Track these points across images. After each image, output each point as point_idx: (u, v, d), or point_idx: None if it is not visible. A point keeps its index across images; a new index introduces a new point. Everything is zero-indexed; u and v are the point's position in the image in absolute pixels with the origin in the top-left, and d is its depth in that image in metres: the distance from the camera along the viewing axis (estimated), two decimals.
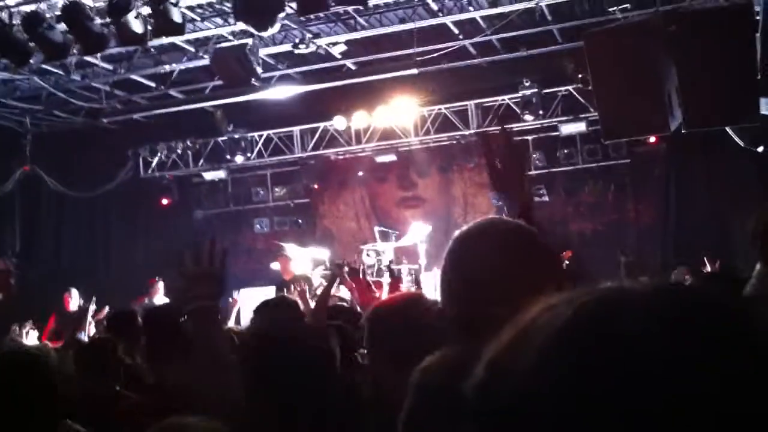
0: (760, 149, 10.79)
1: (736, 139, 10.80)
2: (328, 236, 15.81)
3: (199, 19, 11.07)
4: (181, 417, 1.90)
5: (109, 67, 12.22)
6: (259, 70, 11.23)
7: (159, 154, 15.03)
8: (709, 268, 7.98)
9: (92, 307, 9.28)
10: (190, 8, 10.57)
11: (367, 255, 13.14)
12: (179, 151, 15.05)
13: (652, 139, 13.02)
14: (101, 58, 11.63)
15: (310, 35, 11.24)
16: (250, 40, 10.87)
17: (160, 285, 11.92)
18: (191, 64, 12.25)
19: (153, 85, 13.17)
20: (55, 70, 11.96)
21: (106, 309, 9.46)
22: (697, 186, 12.82)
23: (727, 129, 10.54)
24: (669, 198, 13.43)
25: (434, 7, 10.93)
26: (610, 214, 14.05)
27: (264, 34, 10.43)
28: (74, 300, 11.11)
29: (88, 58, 11.47)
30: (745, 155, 11.37)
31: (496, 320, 0.75)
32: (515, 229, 1.81)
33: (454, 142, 14.64)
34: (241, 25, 10.52)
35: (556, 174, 14.47)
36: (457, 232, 1.84)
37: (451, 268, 1.81)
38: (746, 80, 8.41)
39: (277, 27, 10.10)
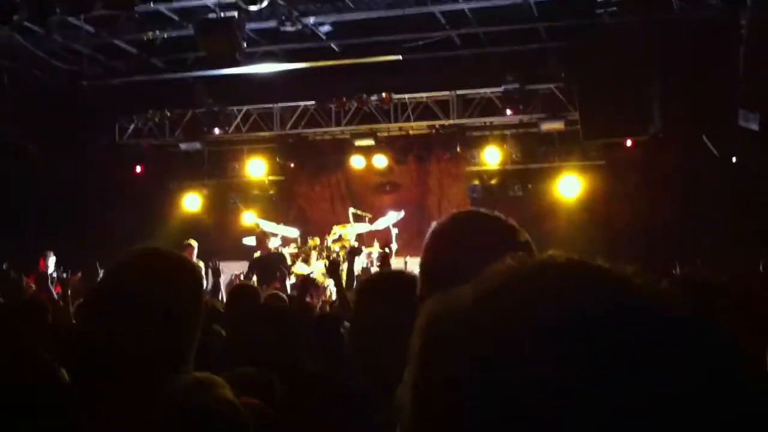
0: (734, 160, 10.97)
1: (711, 148, 10.95)
2: (301, 216, 15.79)
3: None
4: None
5: (91, 30, 12.05)
6: (243, 44, 11.17)
7: (136, 122, 14.89)
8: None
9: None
10: None
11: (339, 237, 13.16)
12: (157, 120, 14.92)
13: (629, 143, 13.16)
14: (84, 20, 11.47)
15: (297, 13, 11.18)
16: (236, 14, 10.79)
17: (195, 249, 11.97)
18: (175, 34, 12.12)
19: (135, 51, 13.02)
20: (36, 29, 11.76)
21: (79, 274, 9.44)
22: (670, 193, 12.96)
23: (704, 138, 10.69)
24: (641, 202, 13.57)
25: None
26: (582, 214, 14.15)
27: (252, 8, 10.38)
28: (51, 263, 11.03)
29: (71, 20, 11.31)
30: (718, 165, 11.53)
31: None
32: (494, 221, 1.84)
33: (433, 131, 14.66)
34: None
35: (532, 170, 14.57)
36: (434, 224, 1.87)
37: (427, 258, 1.84)
38: (727, 90, 8.55)
39: (265, 2, 10.07)
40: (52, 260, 11.03)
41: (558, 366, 0.61)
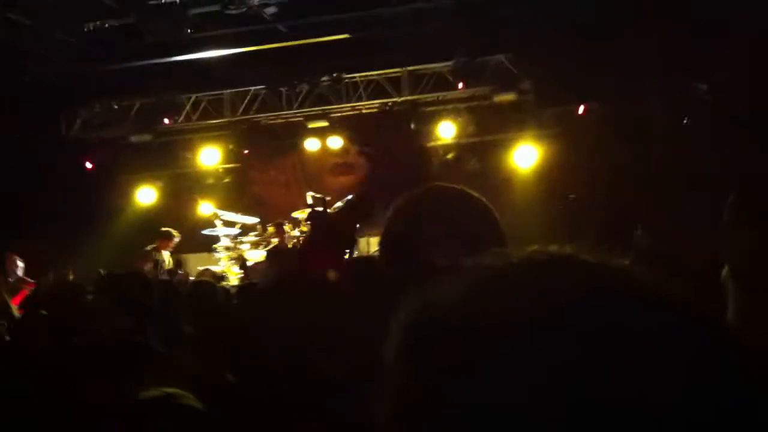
0: (685, 121, 11.07)
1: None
2: (257, 202, 15.63)
3: None
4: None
5: (28, 22, 11.68)
6: (188, 30, 10.98)
7: (82, 115, 14.55)
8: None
9: None
10: None
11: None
12: (104, 113, 14.60)
13: (581, 110, 13.18)
14: (21, 13, 11.13)
15: None
16: None
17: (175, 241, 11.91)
18: (117, 22, 11.82)
19: (75, 42, 12.67)
20: None
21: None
22: (625, 159, 12.98)
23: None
24: (597, 170, 13.58)
25: None
26: (540, 184, 14.16)
27: None
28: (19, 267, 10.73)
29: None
30: (672, 130, 11.59)
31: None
32: (454, 194, 1.88)
33: (386, 108, 14.57)
34: None
35: (488, 143, 14.56)
36: (398, 199, 1.91)
37: (388, 230, 1.89)
38: (680, 53, 8.60)
39: None
40: (20, 265, 10.68)
41: (551, 364, 0.59)
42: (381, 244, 1.91)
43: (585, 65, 9.92)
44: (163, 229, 12.32)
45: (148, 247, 12.14)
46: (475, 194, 1.84)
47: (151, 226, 14.97)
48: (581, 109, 13.04)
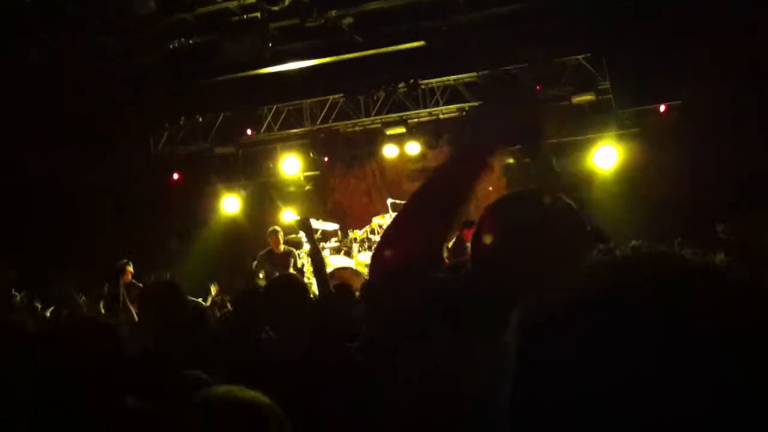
0: None
1: None
2: (338, 209, 15.85)
3: None
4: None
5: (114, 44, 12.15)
6: (269, 44, 11.23)
7: (169, 130, 15.04)
8: None
9: None
10: None
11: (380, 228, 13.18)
12: (189, 126, 15.07)
13: (662, 108, 12.94)
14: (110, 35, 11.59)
15: (319, 8, 11.18)
16: (258, 14, 10.84)
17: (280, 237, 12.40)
18: (200, 39, 12.17)
19: (161, 61, 13.09)
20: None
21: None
22: (708, 156, 12.67)
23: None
24: (680, 168, 13.30)
25: None
26: (621, 184, 13.95)
27: (274, 8, 10.42)
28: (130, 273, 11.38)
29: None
30: (756, 123, 11.29)
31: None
32: (534, 199, 1.88)
33: (463, 113, 14.59)
34: None
35: (566, 144, 14.42)
36: (488, 204, 1.93)
37: (479, 236, 1.89)
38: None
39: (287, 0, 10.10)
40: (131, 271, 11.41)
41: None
42: (472, 250, 1.94)
43: (664, 64, 9.77)
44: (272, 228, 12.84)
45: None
46: (556, 196, 1.85)
47: (236, 233, 15.40)
48: (662, 108, 12.79)
